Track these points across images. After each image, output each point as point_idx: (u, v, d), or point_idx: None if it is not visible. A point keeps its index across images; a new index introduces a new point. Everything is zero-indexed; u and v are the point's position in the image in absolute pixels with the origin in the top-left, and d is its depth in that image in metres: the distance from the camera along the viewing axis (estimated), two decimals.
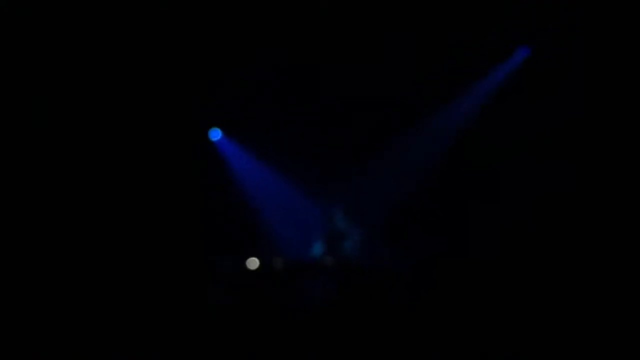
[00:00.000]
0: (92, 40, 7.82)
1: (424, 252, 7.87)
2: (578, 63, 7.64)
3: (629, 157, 7.50)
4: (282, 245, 8.07)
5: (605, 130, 7.61)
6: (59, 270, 7.36)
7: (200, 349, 6.60)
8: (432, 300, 7.07)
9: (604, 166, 7.57)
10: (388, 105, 8.12)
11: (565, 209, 7.65)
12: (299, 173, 8.35)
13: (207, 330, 6.82)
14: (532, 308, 6.88)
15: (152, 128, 8.23)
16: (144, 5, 7.77)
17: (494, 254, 7.68)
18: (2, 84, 7.63)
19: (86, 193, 7.91)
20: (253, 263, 7.32)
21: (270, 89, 8.30)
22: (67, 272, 7.33)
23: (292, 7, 7.88)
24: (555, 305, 6.84)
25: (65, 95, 7.87)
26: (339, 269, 7.34)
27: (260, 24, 8.00)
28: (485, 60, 8.01)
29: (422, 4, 7.75)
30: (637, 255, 7.10)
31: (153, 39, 7.98)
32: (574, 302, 6.82)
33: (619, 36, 7.50)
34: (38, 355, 6.28)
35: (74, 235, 7.69)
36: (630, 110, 7.53)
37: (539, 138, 7.84)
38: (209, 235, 8.09)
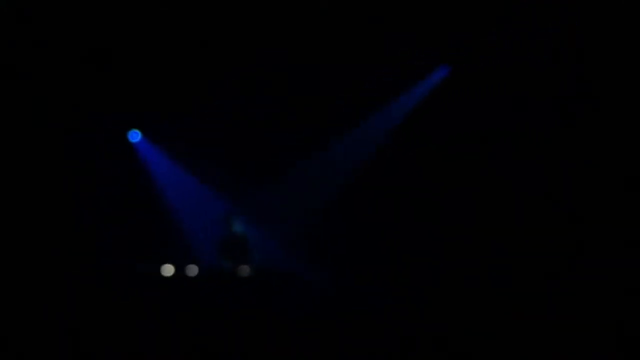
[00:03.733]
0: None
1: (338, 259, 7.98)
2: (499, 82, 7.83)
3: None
4: (196, 251, 8.06)
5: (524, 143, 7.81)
6: None
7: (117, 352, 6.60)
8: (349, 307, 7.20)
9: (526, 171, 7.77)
10: (306, 116, 8.18)
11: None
12: (216, 177, 8.38)
13: (122, 335, 6.81)
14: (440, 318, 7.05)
15: (70, 128, 8.17)
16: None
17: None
18: None
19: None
20: (168, 270, 7.28)
21: (191, 92, 8.28)
22: None
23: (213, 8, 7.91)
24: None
25: None
26: (256, 278, 7.36)
27: (182, 27, 7.99)
28: (404, 77, 8.12)
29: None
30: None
31: (75, 38, 7.93)
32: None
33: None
34: None
35: None
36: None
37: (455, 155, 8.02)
38: (124, 238, 8.07)
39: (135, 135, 8.55)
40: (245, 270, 7.41)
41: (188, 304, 7.11)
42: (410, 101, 8.26)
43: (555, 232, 7.49)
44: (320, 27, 7.94)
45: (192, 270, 7.27)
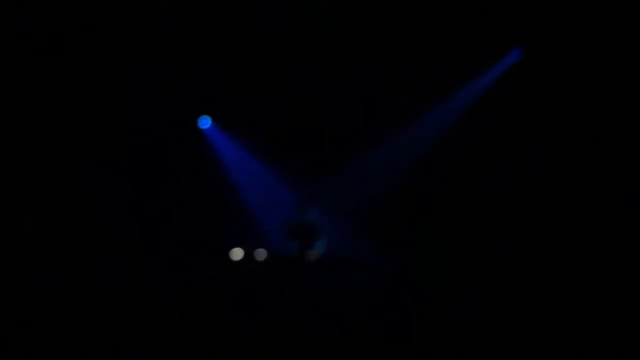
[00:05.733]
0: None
1: (404, 248, 7.91)
2: (571, 66, 7.64)
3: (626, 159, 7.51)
4: (265, 236, 8.05)
5: (599, 132, 7.62)
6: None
7: (180, 340, 6.62)
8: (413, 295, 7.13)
9: (600, 165, 7.58)
10: (376, 103, 8.11)
11: (561, 208, 7.65)
12: (284, 164, 8.36)
13: (189, 321, 6.84)
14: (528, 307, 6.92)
15: (140, 114, 8.24)
16: None
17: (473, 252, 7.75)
18: None
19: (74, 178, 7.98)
20: (237, 254, 7.30)
21: (262, 80, 8.28)
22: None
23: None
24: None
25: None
26: (323, 264, 7.34)
27: (253, 16, 8.00)
28: (476, 61, 7.99)
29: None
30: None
31: (141, 25, 7.99)
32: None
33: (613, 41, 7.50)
34: None
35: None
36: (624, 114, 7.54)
37: (528, 139, 7.87)
38: (194, 224, 8.11)
39: (205, 122, 8.59)
40: (313, 255, 7.39)
41: (256, 288, 7.12)
42: (481, 86, 8.14)
43: None
44: (390, 13, 7.87)
45: (261, 254, 7.28)
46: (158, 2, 7.83)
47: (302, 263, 7.33)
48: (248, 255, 7.29)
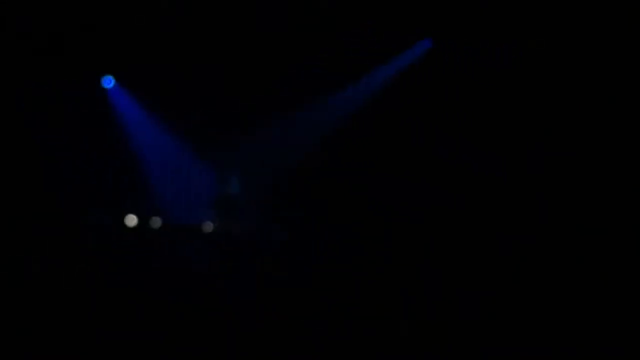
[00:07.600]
0: None
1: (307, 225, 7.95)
2: (482, 59, 7.76)
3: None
4: (165, 205, 7.98)
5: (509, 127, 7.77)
6: None
7: (69, 306, 6.56)
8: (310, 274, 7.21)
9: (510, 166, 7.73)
10: (289, 78, 8.10)
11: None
12: (193, 133, 8.29)
13: (78, 284, 6.78)
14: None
15: (42, 71, 8.05)
16: None
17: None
18: None
19: None
20: (131, 220, 7.27)
21: (172, 44, 8.18)
22: None
23: None
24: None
25: None
26: (217, 236, 7.35)
27: None
28: (385, 49, 8.03)
29: None
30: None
31: None
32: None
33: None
34: None
35: None
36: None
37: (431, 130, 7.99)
38: (86, 187, 7.98)
39: (108, 82, 8.44)
40: (209, 226, 7.41)
41: (149, 256, 7.11)
42: (388, 74, 8.20)
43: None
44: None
45: (156, 222, 7.26)
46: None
47: (198, 233, 7.35)
48: (143, 222, 7.27)
